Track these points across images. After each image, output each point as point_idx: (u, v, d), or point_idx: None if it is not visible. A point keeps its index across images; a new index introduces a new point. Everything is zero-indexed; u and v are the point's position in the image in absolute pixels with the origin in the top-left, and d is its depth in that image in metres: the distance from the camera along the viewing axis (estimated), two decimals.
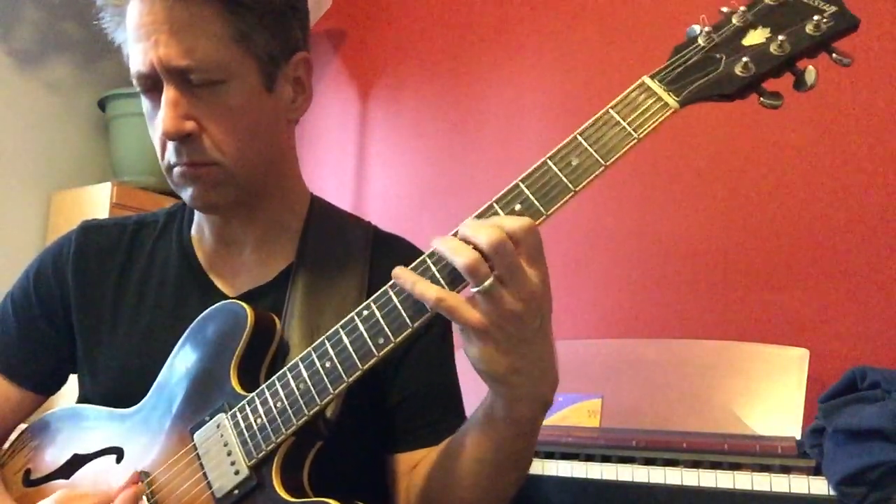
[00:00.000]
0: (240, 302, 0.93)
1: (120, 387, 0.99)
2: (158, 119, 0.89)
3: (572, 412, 1.52)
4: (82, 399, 1.05)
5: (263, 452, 0.82)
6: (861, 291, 1.68)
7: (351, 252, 1.01)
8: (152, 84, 0.90)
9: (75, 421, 1.01)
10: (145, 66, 0.88)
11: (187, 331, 0.95)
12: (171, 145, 0.90)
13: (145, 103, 0.94)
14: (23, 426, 1.08)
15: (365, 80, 2.62)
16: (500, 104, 2.31)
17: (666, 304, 1.91)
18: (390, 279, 0.76)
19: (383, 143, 2.56)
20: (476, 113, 2.35)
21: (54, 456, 0.99)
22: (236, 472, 0.83)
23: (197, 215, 1.06)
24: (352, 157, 2.60)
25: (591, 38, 2.15)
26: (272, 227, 1.02)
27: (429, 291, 0.71)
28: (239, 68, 0.89)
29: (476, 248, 0.69)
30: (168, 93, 0.88)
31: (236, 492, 0.83)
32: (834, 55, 0.74)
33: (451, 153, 2.39)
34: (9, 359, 1.06)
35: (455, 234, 0.72)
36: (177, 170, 0.92)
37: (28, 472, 1.01)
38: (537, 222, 0.72)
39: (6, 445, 1.07)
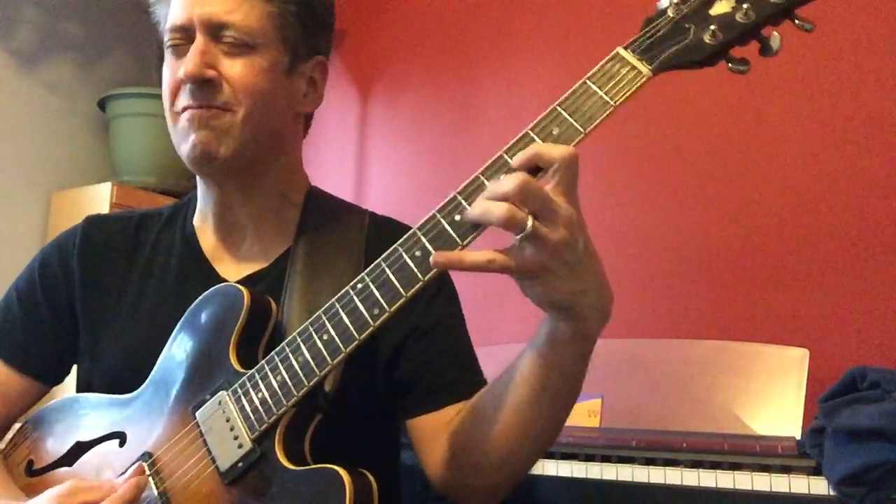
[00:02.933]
0: (235, 284, 0.96)
1: (123, 371, 1.01)
2: (181, 63, 0.95)
3: (572, 412, 1.52)
4: (84, 386, 1.06)
5: (266, 425, 0.84)
6: (861, 291, 1.68)
7: (347, 235, 1.04)
8: (184, 38, 0.97)
9: (75, 410, 1.03)
10: (183, 19, 0.95)
11: (185, 314, 0.97)
12: (186, 89, 0.95)
13: (169, 58, 1.00)
14: (19, 424, 1.09)
15: (365, 80, 2.62)
16: (499, 104, 2.31)
17: (666, 304, 1.91)
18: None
19: (383, 143, 2.55)
20: (476, 113, 2.35)
21: (56, 445, 1.01)
22: (240, 446, 0.85)
23: (201, 204, 1.09)
24: (352, 156, 2.60)
25: (591, 37, 2.15)
26: (270, 213, 1.06)
27: (479, 257, 0.74)
28: (268, 41, 0.97)
29: (504, 196, 0.72)
30: (199, 41, 0.95)
31: (240, 464, 0.85)
32: (797, 21, 0.78)
33: (451, 153, 2.38)
34: (14, 348, 1.08)
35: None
36: (186, 113, 0.96)
37: (30, 462, 1.02)
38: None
39: (6, 440, 1.08)
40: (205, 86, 0.94)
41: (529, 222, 0.71)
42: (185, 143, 0.97)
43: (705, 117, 1.94)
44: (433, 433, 0.98)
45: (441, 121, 2.43)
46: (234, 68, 0.95)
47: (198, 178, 1.06)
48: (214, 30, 0.95)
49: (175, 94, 0.97)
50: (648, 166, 2.01)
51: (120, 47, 2.92)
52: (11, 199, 2.61)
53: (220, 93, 0.95)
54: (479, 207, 0.74)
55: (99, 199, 2.51)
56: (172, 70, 0.98)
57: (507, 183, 0.72)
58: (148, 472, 0.91)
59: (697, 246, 1.90)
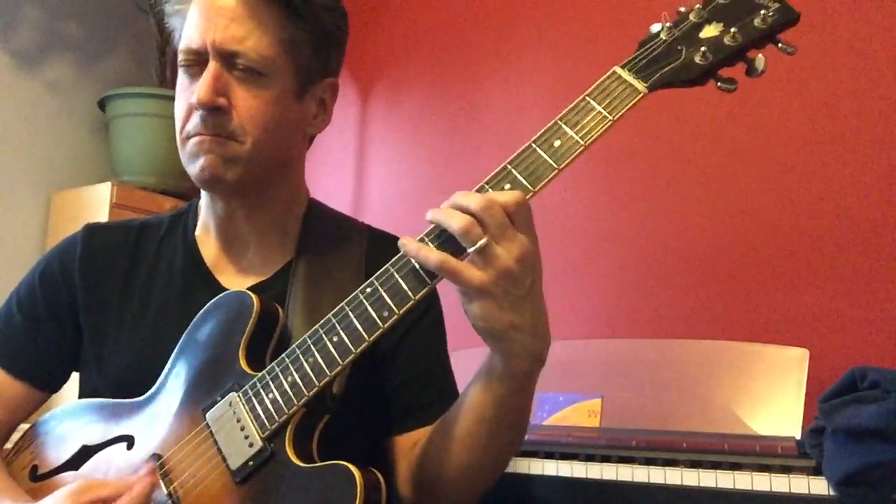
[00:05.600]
0: (245, 290, 0.98)
1: (128, 379, 1.02)
2: (194, 89, 0.96)
3: (572, 412, 1.52)
4: (88, 394, 1.07)
5: (277, 424, 0.86)
6: (861, 291, 1.68)
7: (347, 248, 1.06)
8: (197, 60, 0.98)
9: (81, 414, 1.03)
10: (197, 43, 0.96)
11: (194, 319, 0.98)
12: (196, 115, 0.97)
13: (182, 78, 1.00)
14: (25, 426, 1.09)
15: (365, 80, 2.62)
16: (500, 104, 2.31)
17: (666, 304, 1.91)
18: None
19: (383, 143, 2.56)
20: (476, 113, 2.35)
21: (61, 449, 1.01)
22: (250, 445, 0.87)
23: (203, 215, 1.10)
24: (352, 157, 2.60)
25: (591, 38, 2.15)
26: (273, 228, 1.07)
27: (431, 256, 0.78)
28: (279, 69, 0.98)
29: (468, 210, 0.77)
30: (212, 67, 0.95)
31: (251, 463, 0.86)
32: (780, 45, 0.84)
33: (451, 153, 2.38)
34: (14, 356, 1.09)
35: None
36: (195, 139, 0.97)
37: (35, 467, 1.02)
38: (526, 197, 0.79)
39: (10, 445, 1.09)
40: (215, 114, 0.95)
41: (483, 239, 0.75)
42: (193, 166, 0.99)
43: (706, 119, 1.94)
44: (403, 452, 1.01)
45: (441, 121, 2.43)
46: (244, 99, 0.96)
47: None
48: (227, 57, 0.96)
49: (186, 119, 0.98)
50: (649, 167, 2.01)
51: (120, 47, 2.92)
52: (11, 199, 2.61)
53: (230, 122, 0.96)
54: (443, 213, 0.78)
55: (99, 199, 2.51)
56: (186, 94, 0.99)
57: (472, 200, 0.77)
58: (153, 463, 0.92)
59: (697, 246, 1.90)
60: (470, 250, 0.77)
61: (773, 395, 1.41)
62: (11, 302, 1.12)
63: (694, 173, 1.94)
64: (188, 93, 0.98)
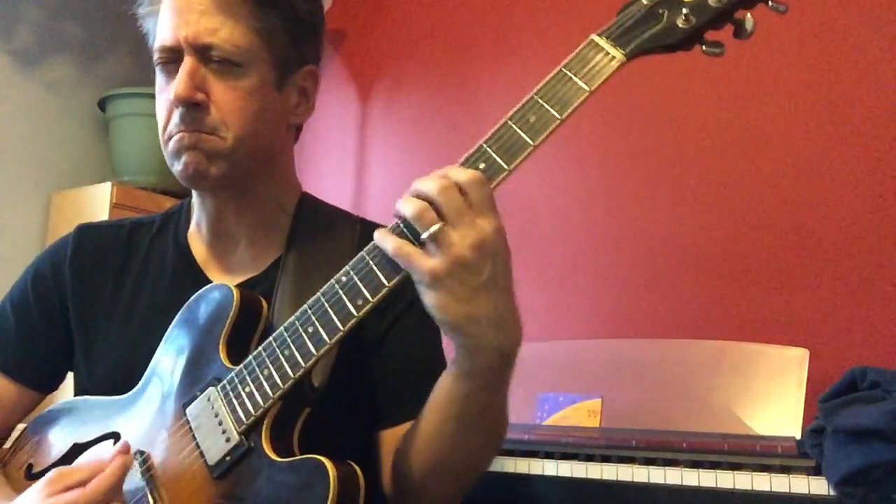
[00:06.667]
0: (225, 283, 0.97)
1: (117, 376, 1.02)
2: (171, 87, 0.95)
3: (572, 412, 1.52)
4: (80, 393, 1.07)
5: (253, 418, 0.85)
6: (861, 291, 1.68)
7: (339, 241, 1.05)
8: (172, 57, 0.97)
9: (73, 413, 1.04)
10: (171, 40, 0.95)
11: (177, 315, 0.98)
12: (176, 113, 0.96)
13: (159, 78, 1.00)
14: (22, 425, 1.10)
15: (365, 80, 2.62)
16: (500, 104, 2.31)
17: (666, 304, 1.91)
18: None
19: (383, 143, 2.55)
20: (476, 113, 2.35)
21: (55, 448, 1.02)
22: (227, 440, 0.86)
23: (195, 214, 1.10)
24: (352, 157, 2.60)
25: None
26: (263, 222, 1.06)
27: (389, 242, 0.76)
28: (255, 58, 0.97)
29: (425, 195, 0.74)
30: (187, 63, 0.94)
31: (228, 458, 0.85)
32: (770, 3, 0.78)
33: (451, 153, 2.37)
34: (8, 357, 1.09)
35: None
36: (176, 136, 0.97)
37: (30, 466, 1.03)
38: (500, 177, 0.78)
39: (8, 444, 1.09)
40: (194, 110, 0.95)
41: (437, 225, 0.72)
42: (176, 164, 0.99)
43: (705, 118, 1.94)
44: (388, 448, 0.98)
45: (441, 121, 2.43)
46: (223, 92, 0.95)
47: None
48: (202, 50, 0.95)
49: (168, 118, 0.98)
50: (648, 166, 2.01)
51: (120, 47, 2.92)
52: (11, 199, 2.61)
53: (209, 116, 0.95)
54: (401, 201, 0.76)
55: (99, 199, 2.51)
56: (165, 93, 0.98)
57: (430, 183, 0.75)
58: (136, 459, 0.91)
59: (697, 246, 1.90)
60: (423, 236, 0.74)
61: (773, 395, 1.41)
62: (5, 304, 1.12)
63: (694, 173, 1.94)
64: (167, 91, 0.98)
